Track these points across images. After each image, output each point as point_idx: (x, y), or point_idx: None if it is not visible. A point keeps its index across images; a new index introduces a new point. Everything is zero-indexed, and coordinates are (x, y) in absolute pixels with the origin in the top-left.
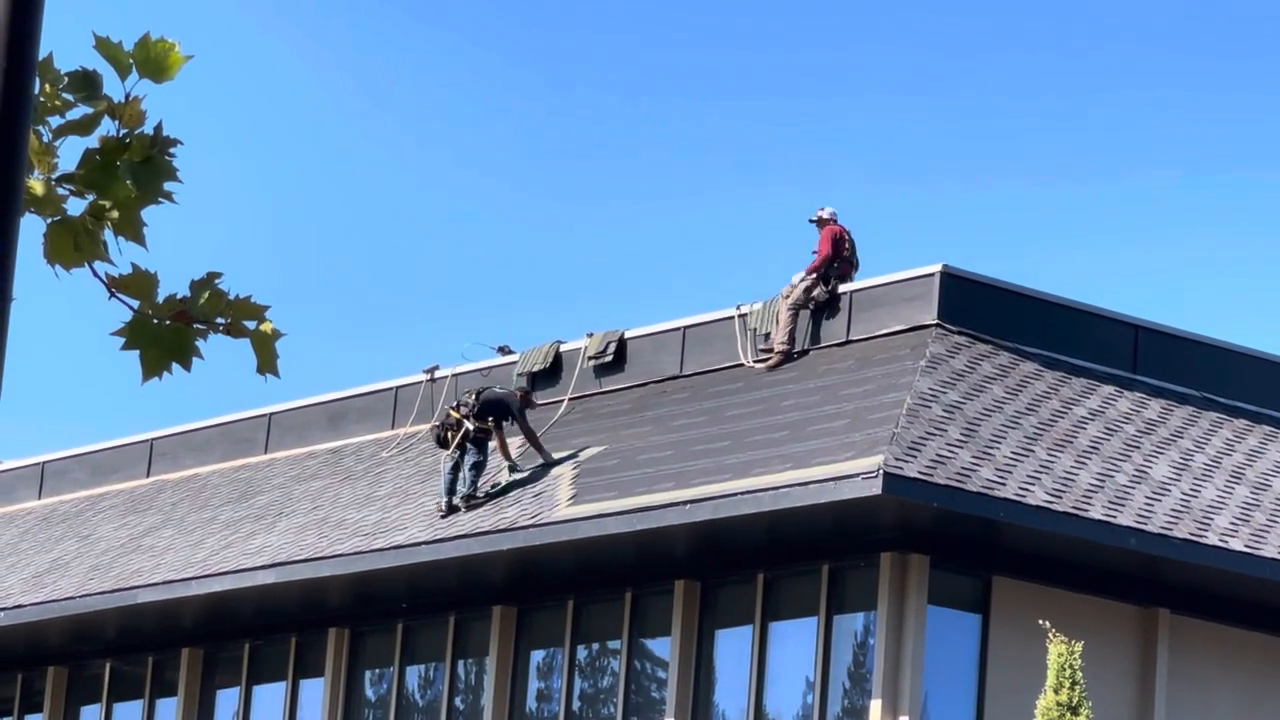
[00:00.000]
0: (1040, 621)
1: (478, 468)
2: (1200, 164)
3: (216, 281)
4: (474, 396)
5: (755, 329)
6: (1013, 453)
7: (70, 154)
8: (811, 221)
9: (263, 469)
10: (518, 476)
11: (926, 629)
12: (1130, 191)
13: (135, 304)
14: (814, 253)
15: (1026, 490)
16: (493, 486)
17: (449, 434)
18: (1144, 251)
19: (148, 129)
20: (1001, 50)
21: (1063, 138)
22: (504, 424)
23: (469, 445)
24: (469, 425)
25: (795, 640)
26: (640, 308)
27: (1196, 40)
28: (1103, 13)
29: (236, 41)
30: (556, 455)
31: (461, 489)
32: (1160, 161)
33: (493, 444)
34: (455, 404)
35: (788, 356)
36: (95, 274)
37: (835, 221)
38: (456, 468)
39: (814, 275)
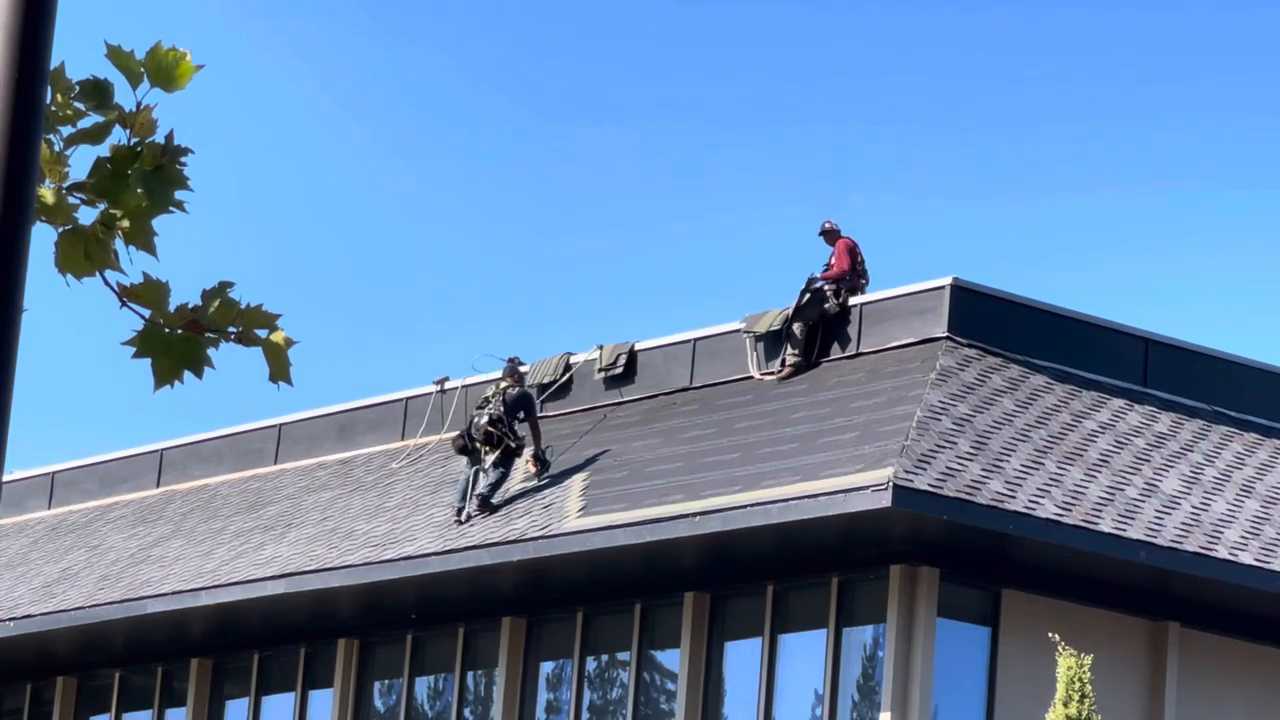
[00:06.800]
0: (1050, 635)
1: (500, 477)
2: (1211, 177)
3: (228, 291)
4: (502, 401)
5: (764, 337)
6: (1023, 466)
7: (81, 163)
8: (820, 235)
9: (272, 480)
10: (539, 482)
11: (936, 642)
12: (1141, 205)
13: (146, 313)
14: (827, 265)
15: (1036, 503)
16: (527, 481)
17: (476, 443)
18: (1155, 264)
19: (159, 138)
20: (1011, 60)
21: (1073, 150)
22: (532, 416)
23: (493, 453)
24: (502, 420)
25: (804, 652)
26: (650, 320)
27: (1209, 53)
28: (1114, 26)
29: (249, 50)
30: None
31: (482, 491)
32: (1171, 174)
33: (519, 458)
34: (483, 414)
35: (799, 369)
36: (106, 283)
37: (842, 233)
38: (478, 475)
39: (830, 287)
